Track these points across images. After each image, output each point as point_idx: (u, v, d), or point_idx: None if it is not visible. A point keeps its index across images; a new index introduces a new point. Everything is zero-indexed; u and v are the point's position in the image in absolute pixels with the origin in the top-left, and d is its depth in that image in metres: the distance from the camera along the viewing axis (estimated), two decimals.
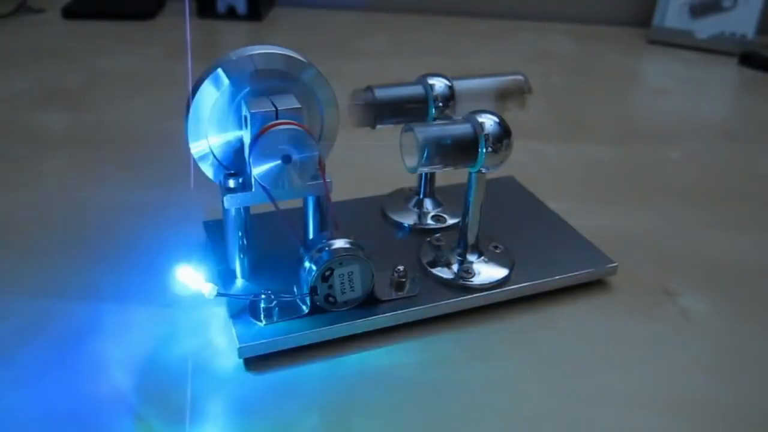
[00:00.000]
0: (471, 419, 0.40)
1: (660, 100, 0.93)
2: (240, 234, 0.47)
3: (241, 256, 0.47)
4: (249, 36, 1.10)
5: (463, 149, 0.44)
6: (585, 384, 0.43)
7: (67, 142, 0.72)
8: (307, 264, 0.43)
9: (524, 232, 0.54)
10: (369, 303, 0.45)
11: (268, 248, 0.49)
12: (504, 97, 0.54)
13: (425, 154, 0.43)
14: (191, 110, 0.44)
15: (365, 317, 0.45)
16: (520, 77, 0.55)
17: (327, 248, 0.43)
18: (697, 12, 1.10)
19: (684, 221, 0.59)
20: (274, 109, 0.42)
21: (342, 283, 0.44)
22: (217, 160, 0.46)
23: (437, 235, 0.52)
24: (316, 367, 0.43)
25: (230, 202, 0.45)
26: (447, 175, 0.60)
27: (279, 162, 0.42)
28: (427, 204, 0.58)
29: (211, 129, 0.45)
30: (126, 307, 0.48)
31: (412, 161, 0.44)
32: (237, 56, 0.44)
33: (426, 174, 0.57)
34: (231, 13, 1.15)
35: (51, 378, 0.42)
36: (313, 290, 0.43)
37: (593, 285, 0.51)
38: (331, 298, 0.44)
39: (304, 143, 0.42)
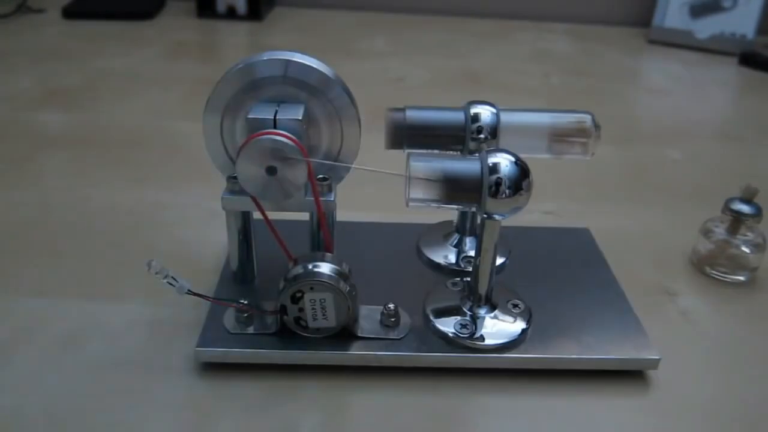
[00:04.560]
0: None
1: (660, 100, 0.93)
2: (240, 237, 0.46)
3: (241, 259, 0.47)
4: (249, 36, 1.10)
5: (464, 189, 0.39)
6: None
7: (67, 142, 0.72)
8: (282, 281, 0.42)
9: (566, 295, 0.48)
10: (345, 335, 0.43)
11: (279, 255, 0.48)
12: (561, 138, 0.47)
13: (417, 188, 0.39)
14: (209, 106, 0.43)
15: (333, 350, 0.42)
16: (586, 116, 0.47)
17: (306, 269, 0.41)
18: (697, 12, 1.10)
19: (684, 221, 0.59)
20: (272, 117, 0.41)
21: (314, 308, 0.41)
22: (231, 159, 0.45)
23: (456, 279, 0.48)
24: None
25: (227, 204, 0.44)
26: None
27: (264, 172, 0.41)
28: (467, 243, 0.52)
29: (227, 127, 0.44)
30: (126, 306, 0.48)
31: (407, 193, 0.40)
32: (268, 57, 0.42)
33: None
34: (231, 13, 1.15)
35: (50, 378, 0.42)
36: (282, 309, 0.42)
37: None
38: (302, 322, 0.42)
39: (290, 156, 0.40)
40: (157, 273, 0.40)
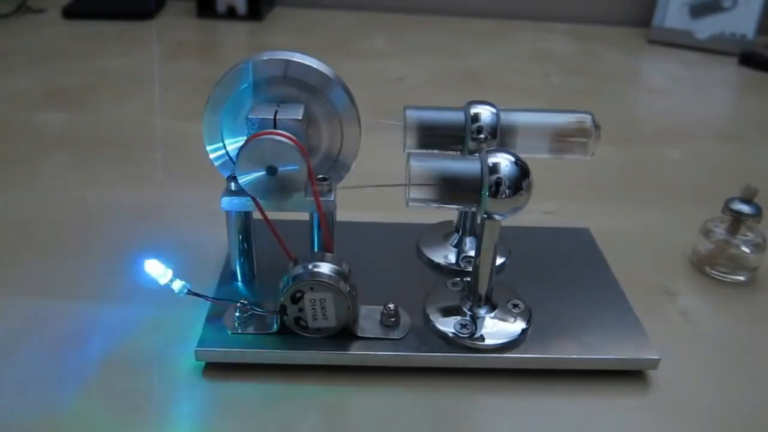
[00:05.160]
0: None
1: (660, 100, 0.93)
2: (240, 237, 0.46)
3: (241, 259, 0.47)
4: (249, 36, 1.10)
5: (464, 189, 0.39)
6: None
7: (66, 142, 0.72)
8: (283, 281, 0.42)
9: (566, 295, 0.48)
10: (345, 335, 0.43)
11: (279, 255, 0.47)
12: (561, 138, 0.46)
13: (416, 188, 0.39)
14: (209, 106, 0.43)
15: (333, 350, 0.42)
16: (586, 116, 0.47)
17: (306, 269, 0.41)
18: (697, 12, 1.10)
19: (684, 221, 0.59)
20: (272, 117, 0.41)
21: (314, 308, 0.41)
22: (231, 159, 0.45)
23: (456, 279, 0.48)
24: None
25: (227, 204, 0.44)
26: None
27: (264, 172, 0.41)
28: (467, 243, 0.52)
29: (227, 127, 0.44)
30: (126, 306, 0.48)
31: (407, 193, 0.40)
32: (268, 57, 0.43)
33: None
34: (231, 13, 1.15)
35: (50, 377, 0.42)
36: (282, 309, 0.42)
37: None
38: (302, 322, 0.42)
39: (290, 156, 0.40)
40: (154, 275, 0.41)
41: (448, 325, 0.44)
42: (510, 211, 0.40)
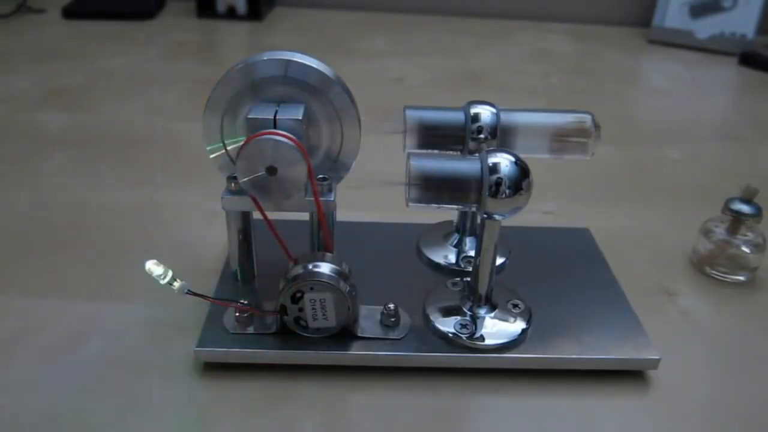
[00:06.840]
0: None
1: (660, 100, 0.93)
2: (240, 237, 0.46)
3: (241, 259, 0.47)
4: (249, 36, 1.10)
5: (464, 189, 0.39)
6: None
7: (67, 142, 0.72)
8: (282, 281, 0.42)
9: (566, 295, 0.48)
10: (345, 335, 0.43)
11: (279, 255, 0.47)
12: (561, 138, 0.47)
13: (416, 188, 0.39)
14: (209, 106, 0.43)
15: (333, 350, 0.42)
16: (586, 116, 0.47)
17: (306, 269, 0.41)
18: (697, 12, 1.10)
19: (684, 221, 0.59)
20: (272, 117, 0.41)
21: (314, 308, 0.41)
22: (231, 159, 0.45)
23: (456, 279, 0.48)
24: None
25: (227, 204, 0.44)
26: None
27: (264, 172, 0.41)
28: (467, 243, 0.52)
29: (227, 127, 0.44)
30: (126, 306, 0.48)
31: (406, 193, 0.40)
32: (268, 57, 0.43)
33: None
34: (231, 13, 1.15)
35: (50, 378, 0.42)
36: (282, 309, 0.42)
37: None
38: (302, 322, 0.42)
39: (290, 157, 0.40)
40: (154, 274, 0.41)
41: (448, 325, 0.44)
42: (510, 211, 0.40)
